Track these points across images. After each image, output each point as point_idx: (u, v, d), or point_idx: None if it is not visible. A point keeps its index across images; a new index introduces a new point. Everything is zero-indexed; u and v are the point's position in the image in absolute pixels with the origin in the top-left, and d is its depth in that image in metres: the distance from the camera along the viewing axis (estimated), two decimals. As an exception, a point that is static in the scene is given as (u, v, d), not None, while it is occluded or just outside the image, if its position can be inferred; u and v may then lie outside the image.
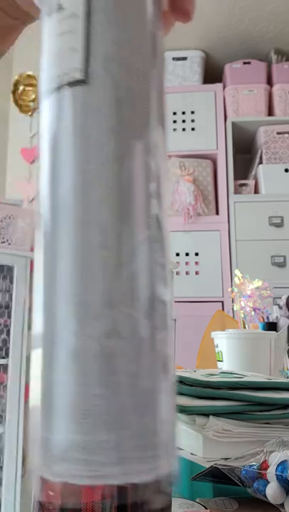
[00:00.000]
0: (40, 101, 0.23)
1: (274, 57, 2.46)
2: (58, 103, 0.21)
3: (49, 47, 0.23)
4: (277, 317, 1.19)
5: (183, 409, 0.53)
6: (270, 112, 2.42)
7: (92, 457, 0.18)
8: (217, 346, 0.93)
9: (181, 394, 0.55)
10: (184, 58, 2.47)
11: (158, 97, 0.22)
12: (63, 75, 0.22)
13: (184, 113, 2.36)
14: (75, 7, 0.22)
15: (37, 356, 0.20)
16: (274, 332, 0.99)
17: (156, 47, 0.23)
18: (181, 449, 0.55)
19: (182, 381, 0.56)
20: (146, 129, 0.21)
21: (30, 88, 1.96)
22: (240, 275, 1.20)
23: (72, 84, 0.21)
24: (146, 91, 0.22)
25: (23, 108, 1.98)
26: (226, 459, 0.47)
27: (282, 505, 0.40)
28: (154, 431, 0.19)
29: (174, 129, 2.34)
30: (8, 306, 1.64)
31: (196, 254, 2.20)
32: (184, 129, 2.35)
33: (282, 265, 2.16)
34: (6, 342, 1.62)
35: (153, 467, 0.19)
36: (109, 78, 0.21)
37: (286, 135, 2.34)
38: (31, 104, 1.98)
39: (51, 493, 0.19)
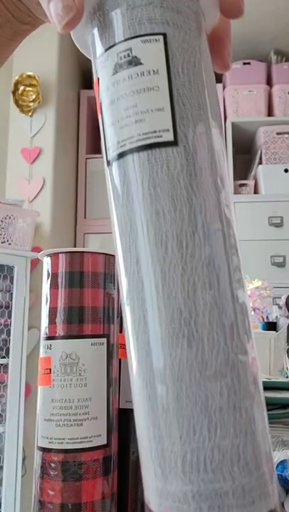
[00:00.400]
0: (114, 158, 0.22)
1: (274, 57, 2.47)
2: (146, 163, 0.20)
3: (123, 102, 0.21)
4: (276, 317, 1.20)
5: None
6: (270, 112, 2.42)
7: (228, 501, 0.19)
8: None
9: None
10: (184, 58, 2.47)
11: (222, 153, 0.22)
12: (148, 135, 0.21)
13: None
14: (155, 63, 0.21)
15: (126, 313, 0.21)
16: (273, 332, 1.00)
17: (216, 99, 0.23)
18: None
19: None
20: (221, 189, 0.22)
21: (31, 88, 1.97)
22: (239, 275, 1.20)
23: (161, 145, 0.20)
24: (220, 154, 0.22)
25: (23, 108, 1.98)
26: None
27: (282, 504, 0.40)
28: (271, 463, 0.20)
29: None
30: (8, 306, 1.65)
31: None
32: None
33: (281, 265, 2.16)
34: (6, 342, 1.62)
35: (273, 498, 0.19)
36: (196, 141, 0.20)
37: (286, 135, 2.34)
38: (31, 104, 1.98)
39: None
